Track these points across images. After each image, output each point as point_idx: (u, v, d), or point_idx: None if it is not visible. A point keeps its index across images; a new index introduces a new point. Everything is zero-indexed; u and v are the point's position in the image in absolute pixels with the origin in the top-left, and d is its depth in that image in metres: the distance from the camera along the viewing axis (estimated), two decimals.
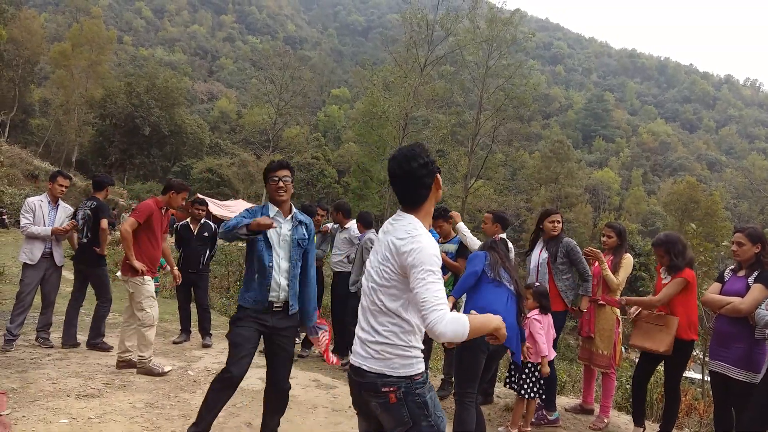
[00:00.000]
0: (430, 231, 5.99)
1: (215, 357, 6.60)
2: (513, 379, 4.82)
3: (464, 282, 4.16)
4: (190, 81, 79.77)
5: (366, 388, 2.38)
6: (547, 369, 4.72)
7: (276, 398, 3.85)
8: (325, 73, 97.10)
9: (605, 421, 5.21)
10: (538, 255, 5.31)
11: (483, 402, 5.54)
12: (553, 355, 4.88)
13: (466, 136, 39.39)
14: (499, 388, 6.31)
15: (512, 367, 4.86)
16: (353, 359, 2.45)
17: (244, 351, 3.62)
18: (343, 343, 7.08)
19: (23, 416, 4.11)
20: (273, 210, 3.80)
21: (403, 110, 35.37)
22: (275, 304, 3.73)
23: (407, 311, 2.37)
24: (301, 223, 3.89)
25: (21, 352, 5.90)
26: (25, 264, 6.10)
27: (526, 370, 4.72)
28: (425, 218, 2.47)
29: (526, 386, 4.70)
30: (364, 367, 2.38)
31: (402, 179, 2.42)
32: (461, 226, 5.82)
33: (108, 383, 5.14)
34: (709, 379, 4.86)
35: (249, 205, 29.96)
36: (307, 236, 3.89)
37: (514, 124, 38.78)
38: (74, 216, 6.48)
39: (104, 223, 6.33)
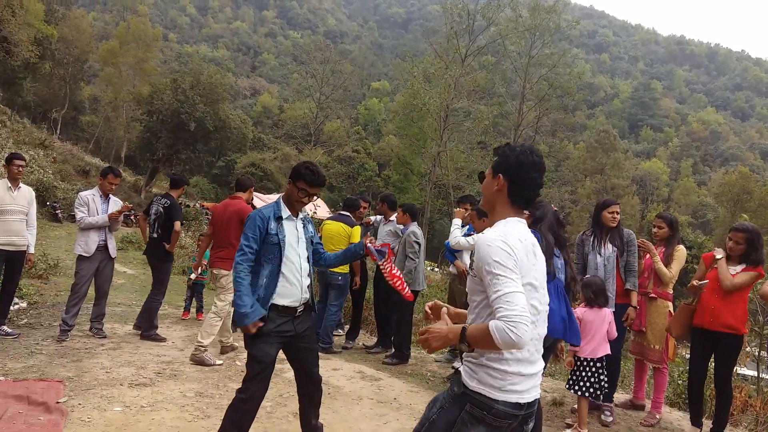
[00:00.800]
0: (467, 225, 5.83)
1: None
2: (575, 379, 4.66)
3: None
4: (233, 77, 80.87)
5: (532, 415, 2.20)
6: (570, 360, 4.59)
7: (314, 389, 3.74)
8: (365, 66, 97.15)
9: (657, 417, 5.07)
10: (603, 249, 5.08)
11: None
12: (607, 350, 4.71)
13: (509, 127, 38.96)
14: (546, 383, 6.22)
15: (574, 367, 4.74)
16: (526, 397, 2.13)
17: (268, 369, 3.47)
18: (386, 336, 7.08)
19: (79, 404, 4.24)
20: (285, 211, 3.59)
21: (444, 102, 35.14)
22: (298, 309, 3.58)
23: None
24: (305, 218, 3.77)
25: (76, 342, 6.08)
26: (80, 256, 6.27)
27: (586, 368, 4.61)
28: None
29: (582, 384, 4.59)
30: (538, 396, 2.21)
31: (540, 174, 2.28)
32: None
33: (159, 372, 5.26)
34: (766, 375, 4.68)
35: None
36: (314, 232, 3.82)
37: (558, 114, 38.15)
38: (147, 211, 6.83)
39: (178, 225, 6.66)
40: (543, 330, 2.22)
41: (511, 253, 2.05)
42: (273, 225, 3.48)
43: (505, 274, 2.01)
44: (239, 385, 3.46)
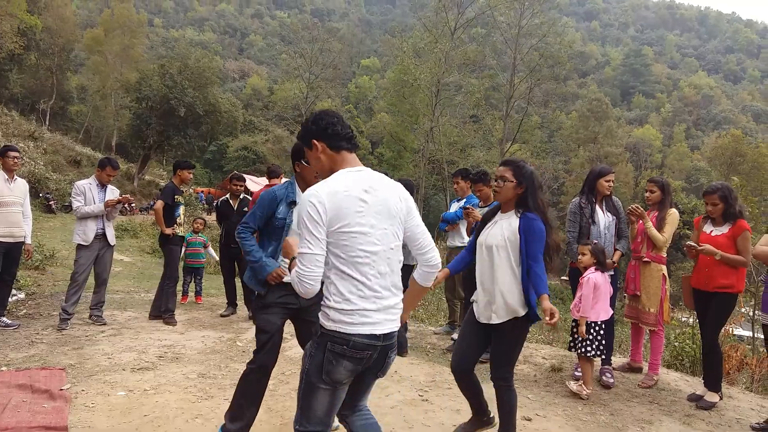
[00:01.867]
0: (470, 196, 5.82)
1: None
2: (576, 340, 4.78)
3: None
4: (221, 60, 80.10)
5: (392, 347, 2.46)
6: (583, 329, 4.68)
7: None
8: (354, 43, 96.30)
9: (654, 378, 5.15)
10: (603, 218, 5.13)
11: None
12: (610, 313, 4.83)
13: (501, 99, 38.75)
14: (545, 350, 6.30)
15: (574, 330, 4.83)
16: (379, 329, 2.37)
17: (275, 339, 3.48)
18: None
19: (82, 390, 4.27)
20: (299, 192, 3.55)
21: (435, 76, 34.89)
22: None
23: None
24: None
25: (76, 330, 6.11)
26: (79, 245, 6.29)
27: (591, 331, 4.69)
28: None
29: (587, 345, 4.68)
30: (395, 329, 2.44)
31: (341, 123, 2.52)
32: None
33: (161, 356, 5.30)
34: (760, 334, 4.74)
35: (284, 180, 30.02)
36: None
37: (550, 84, 37.84)
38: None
39: (156, 204, 6.83)
40: (386, 268, 2.42)
41: (314, 212, 2.29)
42: (282, 209, 3.50)
43: (304, 234, 2.31)
44: (240, 366, 3.48)
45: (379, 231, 2.39)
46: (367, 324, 2.33)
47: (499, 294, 3.41)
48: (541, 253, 3.37)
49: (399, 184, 2.58)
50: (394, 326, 2.43)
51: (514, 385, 3.57)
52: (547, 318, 3.23)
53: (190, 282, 8.55)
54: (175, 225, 6.83)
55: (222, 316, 7.37)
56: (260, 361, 3.43)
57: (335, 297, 2.36)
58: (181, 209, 6.95)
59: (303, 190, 3.59)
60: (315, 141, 2.47)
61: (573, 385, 4.80)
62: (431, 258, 2.57)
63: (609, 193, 5.17)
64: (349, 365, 2.35)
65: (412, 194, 6.68)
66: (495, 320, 3.45)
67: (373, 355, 2.38)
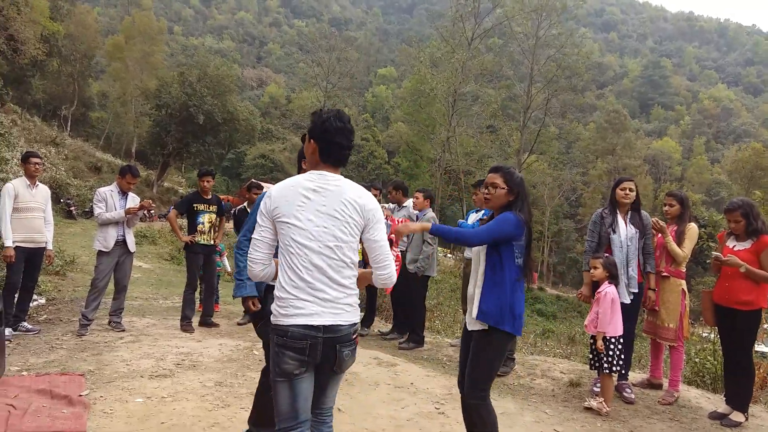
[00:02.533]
0: (475, 209, 5.80)
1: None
2: (597, 358, 4.72)
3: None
4: (239, 68, 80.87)
5: (340, 341, 2.53)
6: (600, 344, 4.63)
7: None
8: (371, 53, 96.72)
9: (675, 395, 5.07)
10: (618, 229, 5.02)
11: (505, 372, 5.63)
12: (622, 328, 4.74)
13: (518, 110, 38.65)
14: (563, 365, 6.24)
15: (592, 346, 4.78)
16: (316, 320, 2.48)
17: None
18: (401, 322, 7.12)
19: (101, 396, 4.30)
20: None
21: (452, 86, 34.94)
22: None
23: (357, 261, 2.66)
24: None
25: (95, 336, 6.16)
26: (99, 251, 6.34)
27: (609, 346, 4.64)
28: None
29: (606, 362, 4.62)
30: (340, 322, 2.52)
31: (345, 137, 2.62)
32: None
33: (179, 363, 5.32)
34: None
35: None
36: None
37: (567, 95, 37.72)
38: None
39: (170, 213, 7.15)
40: (322, 263, 2.51)
41: (263, 203, 2.58)
42: None
43: (257, 223, 2.61)
44: (257, 374, 3.50)
45: (316, 227, 2.51)
46: (302, 315, 2.46)
47: (477, 298, 3.30)
48: (493, 230, 3.20)
49: (365, 194, 2.62)
50: (338, 319, 2.51)
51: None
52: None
53: None
54: (196, 233, 6.87)
55: (239, 324, 7.39)
56: None
57: (278, 285, 2.56)
58: (205, 217, 6.98)
59: None
60: (312, 139, 2.63)
61: (593, 402, 4.73)
62: (381, 275, 2.65)
63: (627, 201, 5.09)
64: (293, 355, 2.47)
65: (433, 202, 6.71)
66: (470, 326, 3.37)
67: (316, 347, 2.47)
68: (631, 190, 5.05)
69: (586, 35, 48.47)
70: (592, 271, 4.81)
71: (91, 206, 20.86)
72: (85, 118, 52.97)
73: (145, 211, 6.82)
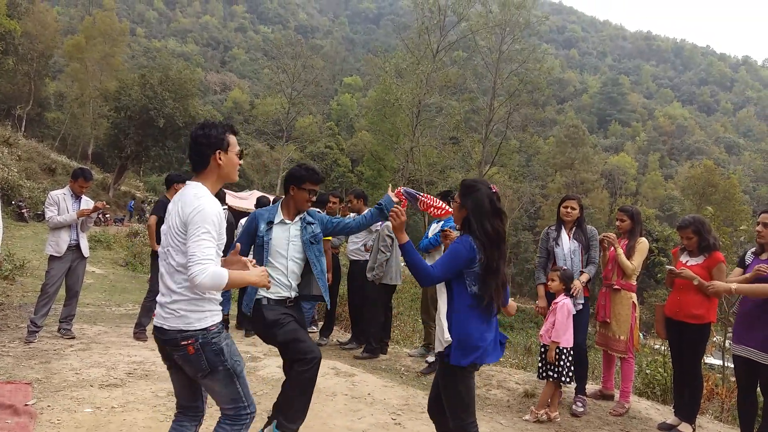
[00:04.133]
0: (449, 218, 5.86)
1: (245, 347, 6.65)
2: (546, 367, 4.81)
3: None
4: (202, 72, 79.84)
5: (168, 344, 2.66)
6: (552, 354, 4.71)
7: None
8: (337, 61, 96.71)
9: (626, 406, 5.19)
10: (568, 243, 5.21)
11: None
12: (571, 341, 4.85)
13: (480, 122, 39.20)
14: (519, 375, 6.31)
15: (542, 355, 4.87)
16: (156, 321, 2.70)
17: (305, 335, 3.79)
18: (360, 331, 7.10)
19: (48, 406, 4.18)
20: (279, 216, 3.89)
21: (416, 97, 35.20)
22: (287, 302, 3.87)
23: None
24: (309, 224, 3.94)
25: (44, 343, 5.98)
26: (51, 256, 6.17)
27: (561, 356, 4.73)
28: (213, 185, 2.80)
29: (556, 370, 4.72)
30: (165, 326, 2.64)
31: (192, 145, 2.77)
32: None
33: (130, 373, 5.20)
34: (730, 364, 4.81)
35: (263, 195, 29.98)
36: (316, 231, 3.95)
37: (529, 109, 38.47)
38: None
39: (150, 219, 6.92)
40: (162, 269, 2.73)
41: None
42: (262, 227, 3.81)
43: None
44: None
45: (164, 236, 2.73)
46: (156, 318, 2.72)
47: (438, 327, 3.19)
48: (446, 268, 3.04)
49: (190, 202, 2.64)
50: (162, 322, 2.66)
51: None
52: None
53: None
54: None
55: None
56: (312, 356, 3.64)
57: None
58: None
59: (291, 214, 3.76)
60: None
61: (542, 415, 4.81)
62: (189, 275, 2.52)
63: (569, 219, 5.25)
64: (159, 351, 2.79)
65: (365, 203, 6.75)
66: (437, 348, 3.22)
67: (161, 348, 2.73)
68: (573, 208, 5.25)
69: (548, 51, 49.46)
70: (549, 283, 4.94)
71: (44, 209, 20.25)
72: (41, 119, 51.46)
73: (100, 215, 6.66)
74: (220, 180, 2.84)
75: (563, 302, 4.77)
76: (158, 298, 2.73)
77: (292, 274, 3.85)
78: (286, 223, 3.87)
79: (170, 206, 2.76)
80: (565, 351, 4.73)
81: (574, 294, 4.93)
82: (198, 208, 2.59)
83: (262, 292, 3.76)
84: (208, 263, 2.50)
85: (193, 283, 2.49)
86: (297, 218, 3.92)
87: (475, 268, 3.04)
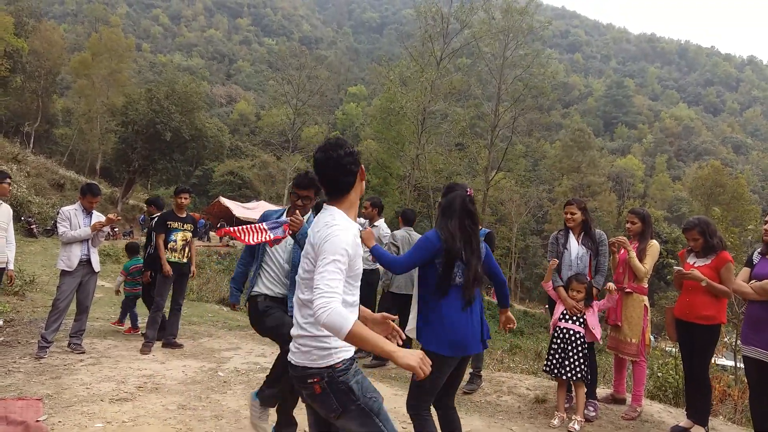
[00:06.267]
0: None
1: (244, 357, 6.65)
2: (554, 362, 4.81)
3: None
4: (208, 85, 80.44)
5: (297, 381, 2.52)
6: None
7: None
8: (341, 71, 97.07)
9: (638, 410, 5.14)
10: (577, 248, 5.18)
11: (471, 389, 5.71)
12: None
13: (486, 128, 39.20)
14: (529, 381, 6.28)
15: (551, 352, 4.87)
16: (289, 355, 2.58)
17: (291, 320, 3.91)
18: None
19: (59, 421, 4.19)
20: (283, 218, 4.09)
21: (421, 105, 35.24)
22: (284, 300, 4.11)
23: None
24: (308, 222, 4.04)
25: (54, 358, 5.99)
26: (62, 271, 6.19)
27: (570, 353, 4.73)
28: (349, 209, 2.56)
29: (570, 368, 4.71)
30: (293, 361, 2.50)
31: (327, 168, 2.50)
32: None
33: (140, 386, 5.21)
34: (742, 365, 4.77)
35: (270, 206, 30.16)
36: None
37: (534, 114, 38.45)
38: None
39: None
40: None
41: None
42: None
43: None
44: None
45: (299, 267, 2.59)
46: None
47: (411, 314, 3.50)
48: (412, 257, 3.37)
49: (321, 228, 2.45)
50: (291, 356, 2.54)
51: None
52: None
53: (125, 312, 8.05)
54: (167, 251, 6.80)
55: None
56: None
57: None
58: (178, 235, 6.90)
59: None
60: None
61: (575, 426, 4.73)
62: (313, 309, 2.29)
63: (571, 225, 5.23)
64: None
65: (408, 223, 6.72)
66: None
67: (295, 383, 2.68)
68: (573, 213, 5.21)
69: (552, 56, 49.45)
70: (575, 294, 4.91)
71: (53, 224, 20.39)
72: (49, 135, 51.97)
73: (110, 229, 6.69)
74: (354, 205, 2.62)
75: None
76: (291, 331, 2.57)
77: (288, 274, 4.07)
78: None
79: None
80: (571, 346, 4.76)
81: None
82: (328, 237, 2.36)
83: (257, 289, 4.08)
84: (333, 297, 2.22)
85: (317, 320, 2.21)
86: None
87: (440, 259, 3.29)
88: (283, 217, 4.05)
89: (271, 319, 3.96)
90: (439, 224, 3.36)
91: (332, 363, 2.42)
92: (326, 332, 2.37)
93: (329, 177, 2.51)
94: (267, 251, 4.14)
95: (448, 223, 3.32)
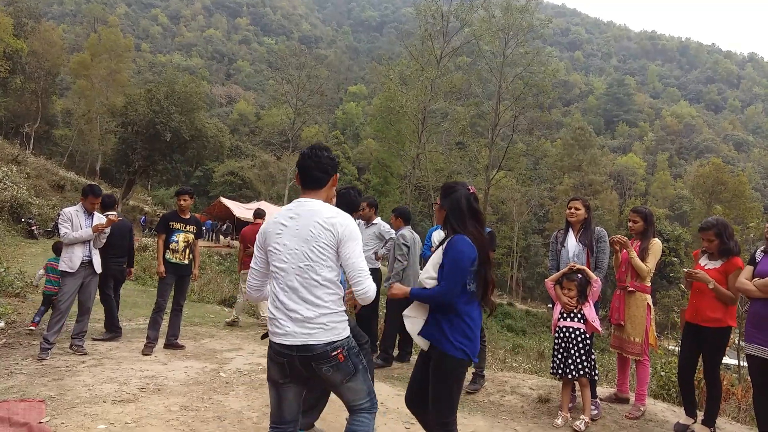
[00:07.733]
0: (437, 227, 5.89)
1: (246, 358, 6.64)
2: (558, 362, 4.80)
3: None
4: (208, 85, 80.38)
5: (316, 360, 2.69)
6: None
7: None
8: (341, 70, 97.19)
9: (641, 409, 5.12)
10: (574, 245, 5.18)
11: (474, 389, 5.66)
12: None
13: (486, 127, 39.19)
14: (532, 380, 6.26)
15: (555, 353, 4.86)
16: (289, 340, 2.69)
17: None
18: (372, 340, 7.07)
19: (62, 423, 4.17)
20: None
21: (421, 104, 35.25)
22: None
23: (338, 280, 2.79)
24: None
25: (56, 360, 5.98)
26: (64, 272, 6.18)
27: (572, 351, 4.72)
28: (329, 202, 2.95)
29: (573, 366, 4.70)
30: (312, 342, 2.67)
31: (309, 160, 2.86)
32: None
33: (143, 388, 5.20)
34: (745, 363, 4.75)
35: (271, 206, 30.14)
36: None
37: (534, 112, 38.41)
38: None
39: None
40: (297, 284, 2.74)
41: (258, 239, 2.89)
42: None
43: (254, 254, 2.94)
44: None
45: (289, 251, 2.75)
46: (279, 334, 2.71)
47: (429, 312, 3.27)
48: (456, 276, 3.03)
49: (339, 214, 2.80)
50: (310, 339, 2.68)
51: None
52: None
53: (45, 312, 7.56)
54: (168, 251, 6.77)
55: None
56: None
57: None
58: (179, 236, 6.86)
59: None
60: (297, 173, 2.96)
61: (581, 425, 4.71)
62: (356, 291, 2.75)
63: (573, 220, 5.22)
64: (274, 367, 2.79)
65: (408, 222, 6.70)
66: (421, 343, 3.24)
67: (294, 365, 2.72)
68: (577, 208, 5.20)
69: (552, 54, 49.43)
70: (567, 292, 4.88)
71: (53, 225, 20.35)
72: (49, 136, 51.98)
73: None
74: (328, 200, 2.96)
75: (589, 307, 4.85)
76: (294, 315, 2.71)
77: None
78: None
79: (287, 221, 2.81)
80: (572, 345, 4.74)
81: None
82: (345, 223, 2.76)
83: None
84: (369, 276, 2.76)
85: (366, 296, 2.72)
86: None
87: (475, 267, 3.11)
88: None
89: None
90: (460, 229, 3.15)
91: (348, 333, 2.80)
92: (342, 306, 2.78)
93: (307, 168, 2.85)
94: None
95: (468, 226, 3.17)
